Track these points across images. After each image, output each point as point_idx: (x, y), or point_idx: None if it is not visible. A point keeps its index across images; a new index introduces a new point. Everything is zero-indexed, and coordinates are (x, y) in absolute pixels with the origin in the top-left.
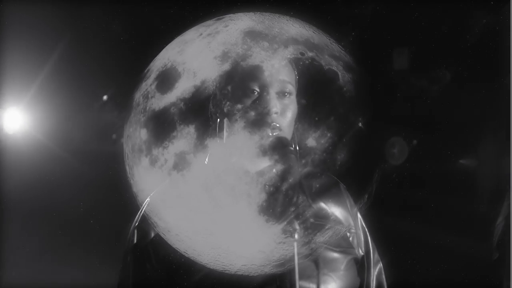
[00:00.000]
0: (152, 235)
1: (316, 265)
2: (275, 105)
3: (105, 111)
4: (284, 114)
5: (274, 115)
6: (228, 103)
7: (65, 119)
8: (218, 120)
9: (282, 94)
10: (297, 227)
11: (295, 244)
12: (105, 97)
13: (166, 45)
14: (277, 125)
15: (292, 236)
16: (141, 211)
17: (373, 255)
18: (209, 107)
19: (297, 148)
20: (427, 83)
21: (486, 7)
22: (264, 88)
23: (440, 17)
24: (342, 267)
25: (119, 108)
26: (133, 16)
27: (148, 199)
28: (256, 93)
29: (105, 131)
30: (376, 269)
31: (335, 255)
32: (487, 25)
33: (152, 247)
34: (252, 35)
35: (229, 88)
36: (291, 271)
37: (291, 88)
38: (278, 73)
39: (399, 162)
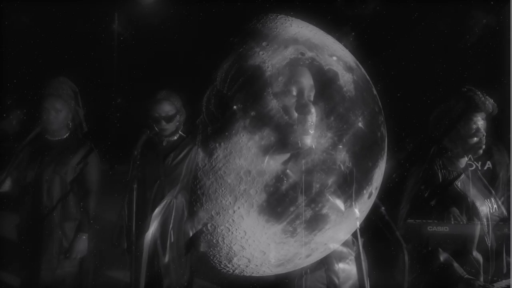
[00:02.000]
0: (191, 234)
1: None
2: (312, 106)
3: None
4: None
5: (313, 115)
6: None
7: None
8: (252, 114)
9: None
10: (356, 209)
11: (358, 223)
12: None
13: (166, 45)
14: (312, 123)
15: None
16: (172, 212)
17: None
18: (234, 107)
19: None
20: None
21: (486, 7)
22: (303, 90)
23: (440, 17)
24: (354, 251)
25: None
26: (133, 16)
27: (174, 199)
28: (295, 93)
29: None
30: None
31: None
32: (487, 25)
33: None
34: (253, 35)
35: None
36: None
37: (312, 96)
38: (311, 79)
39: None
